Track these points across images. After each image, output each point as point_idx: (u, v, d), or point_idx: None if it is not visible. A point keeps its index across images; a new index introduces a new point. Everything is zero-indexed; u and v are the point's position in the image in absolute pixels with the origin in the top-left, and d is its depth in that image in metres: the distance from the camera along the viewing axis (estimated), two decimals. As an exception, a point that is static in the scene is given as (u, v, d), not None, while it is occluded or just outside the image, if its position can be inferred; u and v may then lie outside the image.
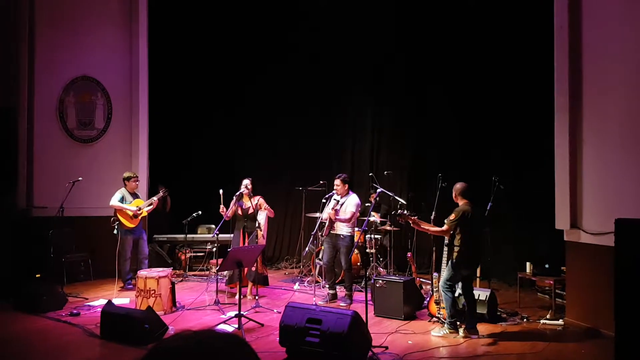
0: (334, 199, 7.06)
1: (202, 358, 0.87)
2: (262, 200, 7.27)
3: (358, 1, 9.61)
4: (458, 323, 5.57)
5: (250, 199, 7.14)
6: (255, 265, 6.65)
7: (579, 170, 6.11)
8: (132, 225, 7.82)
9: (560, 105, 6.28)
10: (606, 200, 5.77)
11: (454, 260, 5.47)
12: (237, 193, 7.21)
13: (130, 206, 7.83)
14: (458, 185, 5.70)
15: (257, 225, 7.06)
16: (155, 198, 8.08)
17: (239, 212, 7.29)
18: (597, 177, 5.92)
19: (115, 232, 7.73)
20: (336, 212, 6.95)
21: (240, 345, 0.94)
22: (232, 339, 0.94)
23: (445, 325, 5.57)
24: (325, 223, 7.16)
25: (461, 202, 5.62)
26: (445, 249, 5.68)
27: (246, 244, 7.11)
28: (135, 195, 8.03)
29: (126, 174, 8.07)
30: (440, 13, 8.96)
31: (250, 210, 7.18)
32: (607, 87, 5.82)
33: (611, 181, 5.74)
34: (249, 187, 7.20)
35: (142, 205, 7.91)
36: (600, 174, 5.88)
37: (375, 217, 7.99)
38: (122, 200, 7.84)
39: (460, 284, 5.61)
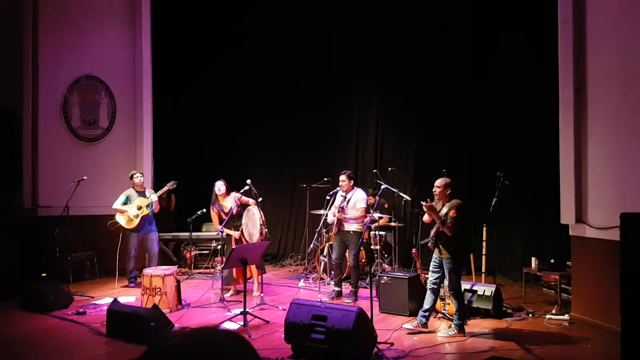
0: (340, 195, 7.04)
1: (200, 355, 0.87)
2: (241, 197, 7.06)
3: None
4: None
5: (226, 199, 7.15)
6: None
7: (584, 165, 6.07)
8: (129, 227, 7.77)
9: (565, 99, 6.23)
10: (611, 195, 5.73)
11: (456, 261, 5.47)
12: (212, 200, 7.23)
13: (131, 207, 7.75)
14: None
15: (243, 222, 7.02)
16: (154, 197, 7.84)
17: (223, 216, 7.15)
18: (602, 172, 5.88)
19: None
20: (342, 210, 6.93)
21: (239, 342, 0.94)
22: (231, 336, 0.94)
23: (454, 325, 5.51)
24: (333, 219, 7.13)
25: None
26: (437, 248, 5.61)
27: (245, 242, 6.99)
28: (142, 194, 7.93)
29: (131, 173, 8.06)
30: (443, 10, 8.92)
31: (235, 211, 7.04)
32: (612, 81, 5.77)
33: (616, 175, 5.70)
34: (222, 188, 7.20)
35: (142, 204, 7.83)
36: (606, 168, 5.83)
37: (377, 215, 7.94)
38: (127, 200, 7.81)
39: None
